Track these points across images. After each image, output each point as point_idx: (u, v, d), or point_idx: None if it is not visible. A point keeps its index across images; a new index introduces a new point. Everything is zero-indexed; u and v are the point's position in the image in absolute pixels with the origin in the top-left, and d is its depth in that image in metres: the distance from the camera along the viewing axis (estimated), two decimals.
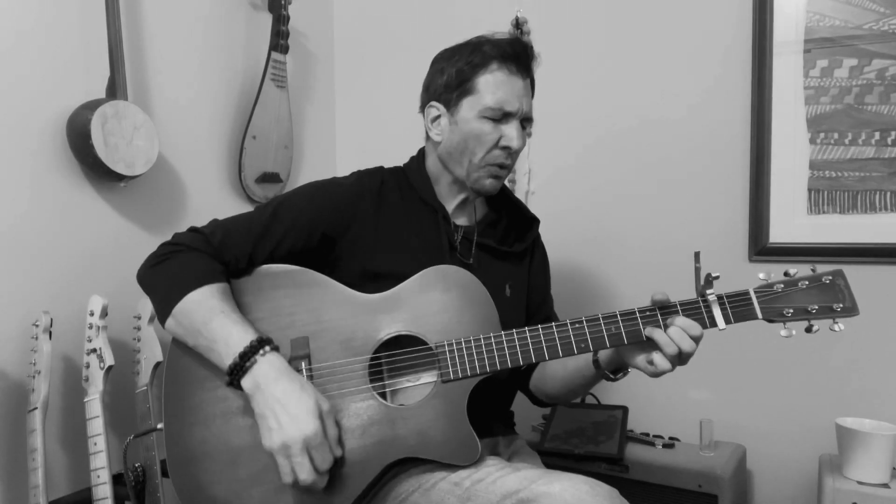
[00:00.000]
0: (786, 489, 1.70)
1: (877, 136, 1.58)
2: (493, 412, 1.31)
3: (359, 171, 1.32)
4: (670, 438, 1.70)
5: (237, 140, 1.90)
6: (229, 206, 1.88)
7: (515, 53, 1.24)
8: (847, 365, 1.63)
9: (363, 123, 2.23)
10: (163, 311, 1.13)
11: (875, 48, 1.57)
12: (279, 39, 1.89)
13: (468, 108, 1.24)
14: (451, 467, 1.08)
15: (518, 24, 1.94)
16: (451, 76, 1.26)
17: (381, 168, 1.34)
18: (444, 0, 2.07)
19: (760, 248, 1.68)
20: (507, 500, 0.98)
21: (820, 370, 1.65)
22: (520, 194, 1.97)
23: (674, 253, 1.77)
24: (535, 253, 1.42)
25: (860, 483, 1.40)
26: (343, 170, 2.23)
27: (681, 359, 1.07)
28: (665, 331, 1.06)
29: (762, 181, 1.67)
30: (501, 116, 1.23)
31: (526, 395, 1.41)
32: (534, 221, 1.40)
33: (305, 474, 1.00)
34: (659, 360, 1.06)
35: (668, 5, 1.78)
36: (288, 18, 1.91)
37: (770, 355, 1.70)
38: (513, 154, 1.26)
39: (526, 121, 1.27)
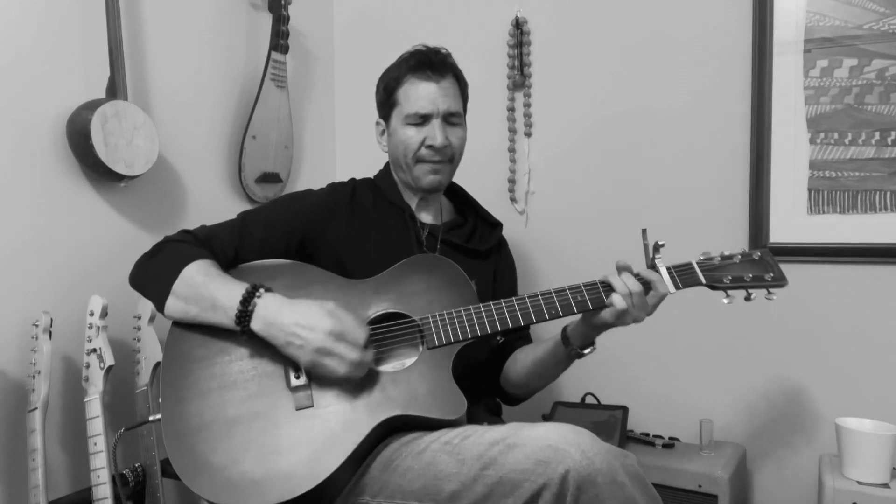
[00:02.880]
0: (786, 489, 1.70)
1: (877, 136, 1.58)
2: (476, 398, 1.35)
3: (333, 183, 1.46)
4: (670, 438, 1.70)
5: (237, 140, 1.90)
6: (229, 206, 1.88)
7: (420, 62, 1.39)
8: (847, 365, 1.63)
9: (363, 123, 2.22)
10: (162, 293, 1.20)
11: (875, 48, 1.57)
12: (279, 39, 1.89)
13: (395, 119, 1.41)
14: (441, 430, 1.13)
15: (518, 24, 1.94)
16: (381, 94, 1.45)
17: (353, 179, 1.48)
18: (444, 0, 2.07)
19: (759, 249, 1.68)
20: (495, 447, 1.03)
21: (820, 370, 1.65)
22: (520, 194, 1.97)
23: (673, 253, 1.77)
24: (501, 256, 1.53)
25: (860, 483, 1.40)
26: (343, 170, 2.24)
27: (633, 301, 1.17)
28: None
29: (762, 181, 1.67)
30: (420, 120, 1.38)
31: (497, 394, 1.47)
32: (497, 226, 1.53)
33: (351, 354, 1.11)
34: (616, 298, 1.17)
35: (668, 5, 1.78)
36: (288, 18, 1.91)
37: (770, 355, 1.70)
38: (441, 150, 1.37)
39: (451, 116, 1.39)
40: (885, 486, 1.39)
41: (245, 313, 1.13)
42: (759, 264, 1.24)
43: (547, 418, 1.73)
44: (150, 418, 1.18)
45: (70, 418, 1.47)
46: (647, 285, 1.20)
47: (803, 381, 1.67)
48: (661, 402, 1.82)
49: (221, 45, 1.86)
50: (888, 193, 1.57)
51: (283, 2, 1.90)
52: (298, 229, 1.34)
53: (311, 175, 2.14)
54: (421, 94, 1.37)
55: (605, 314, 1.19)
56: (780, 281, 1.22)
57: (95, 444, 1.33)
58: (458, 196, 1.55)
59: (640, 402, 1.81)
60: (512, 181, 1.98)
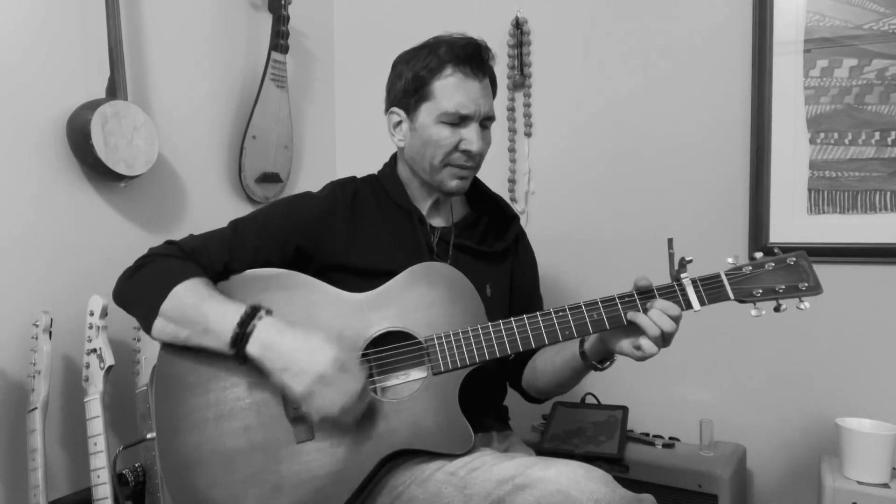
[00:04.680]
0: (786, 489, 1.70)
1: (877, 136, 1.58)
2: (485, 407, 1.33)
3: (332, 183, 1.34)
4: (670, 438, 1.70)
5: (237, 140, 1.90)
6: (229, 206, 1.88)
7: (469, 56, 1.23)
8: (847, 365, 1.63)
9: (363, 123, 2.23)
10: (149, 314, 1.12)
11: (875, 48, 1.57)
12: (279, 39, 1.89)
13: (426, 113, 1.25)
14: (446, 457, 1.09)
15: (518, 24, 1.94)
16: (408, 81, 1.26)
17: (353, 178, 1.36)
18: (444, 0, 2.07)
19: (760, 248, 1.67)
20: (504, 485, 0.99)
21: (820, 370, 1.65)
22: (519, 194, 1.97)
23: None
24: (518, 252, 1.42)
25: (860, 483, 1.40)
26: (343, 170, 2.24)
27: (664, 339, 1.09)
28: (646, 314, 1.09)
29: (762, 181, 1.67)
30: (459, 120, 1.23)
31: (519, 392, 1.42)
32: (514, 219, 1.40)
33: (355, 384, 1.03)
34: (646, 344, 1.09)
35: (668, 5, 1.78)
36: (288, 18, 1.91)
37: (770, 355, 1.70)
38: (473, 156, 1.26)
39: (487, 120, 1.27)
40: (885, 486, 1.39)
41: (242, 336, 1.05)
42: (794, 271, 1.13)
43: (547, 418, 1.73)
44: (148, 436, 1.16)
45: (70, 418, 1.47)
46: (675, 319, 1.10)
47: (803, 381, 1.67)
48: (661, 402, 1.82)
49: (221, 45, 1.86)
50: (888, 193, 1.57)
51: (283, 2, 1.90)
52: (294, 238, 1.23)
53: (311, 175, 2.14)
54: (465, 92, 1.22)
55: (628, 349, 1.12)
56: (815, 290, 1.13)
57: (95, 444, 1.33)
58: (471, 187, 1.40)
59: (640, 402, 1.81)
60: (512, 181, 1.98)
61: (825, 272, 1.67)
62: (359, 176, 1.38)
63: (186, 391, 1.12)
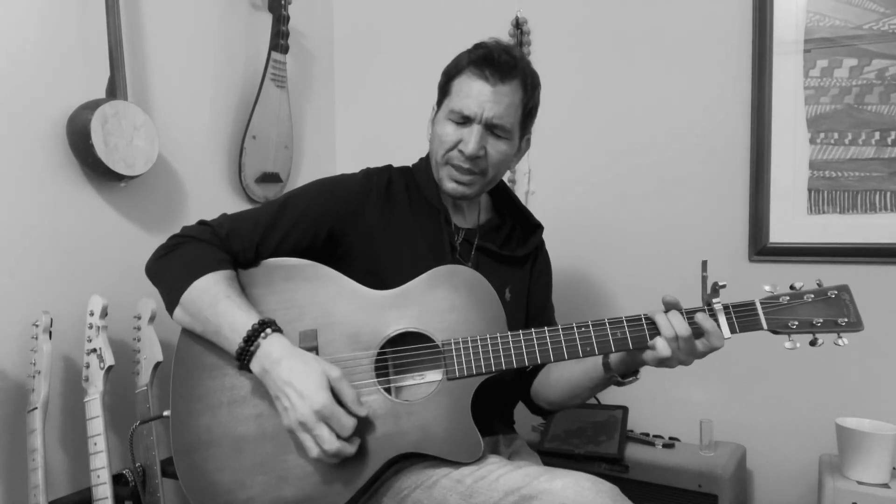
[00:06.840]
0: (786, 489, 1.70)
1: (877, 136, 1.58)
2: (495, 410, 1.32)
3: (367, 169, 1.34)
4: (670, 438, 1.70)
5: (237, 140, 1.90)
6: (229, 206, 1.88)
7: (485, 57, 1.23)
8: (847, 365, 1.63)
9: (363, 123, 2.23)
10: (171, 301, 1.15)
11: (875, 48, 1.57)
12: (279, 39, 1.89)
13: (443, 109, 1.29)
14: (453, 464, 1.09)
15: (518, 24, 1.94)
16: (441, 79, 1.32)
17: (389, 167, 1.36)
18: (444, 0, 2.07)
19: (760, 249, 1.68)
20: (510, 497, 0.99)
21: (820, 370, 1.65)
22: (519, 194, 1.97)
23: (673, 252, 1.77)
24: (537, 259, 1.43)
25: (860, 483, 1.40)
26: (343, 170, 2.23)
27: (680, 348, 1.06)
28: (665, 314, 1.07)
29: (762, 181, 1.67)
30: (462, 120, 1.24)
31: (525, 403, 1.41)
32: (538, 228, 1.42)
33: (328, 444, 1.02)
34: (660, 343, 1.05)
35: (668, 5, 1.78)
36: (288, 18, 1.91)
37: (770, 355, 1.70)
38: (472, 160, 1.24)
39: (494, 127, 1.24)
40: (885, 486, 1.39)
41: (246, 352, 1.07)
42: (834, 304, 1.08)
43: (547, 419, 1.73)
44: (164, 413, 1.16)
45: (70, 418, 1.47)
46: (697, 331, 1.07)
47: (803, 381, 1.67)
48: (661, 402, 1.82)
49: (221, 45, 1.86)
50: (888, 193, 1.57)
51: (283, 2, 1.90)
52: (326, 221, 1.24)
53: (311, 175, 2.14)
54: (471, 92, 1.23)
55: (647, 357, 1.08)
56: (855, 326, 1.08)
57: (95, 444, 1.33)
58: (497, 191, 1.43)
59: (640, 402, 1.81)
60: (512, 181, 1.98)
61: (825, 272, 1.66)
62: (394, 166, 1.38)
63: (203, 373, 1.14)
